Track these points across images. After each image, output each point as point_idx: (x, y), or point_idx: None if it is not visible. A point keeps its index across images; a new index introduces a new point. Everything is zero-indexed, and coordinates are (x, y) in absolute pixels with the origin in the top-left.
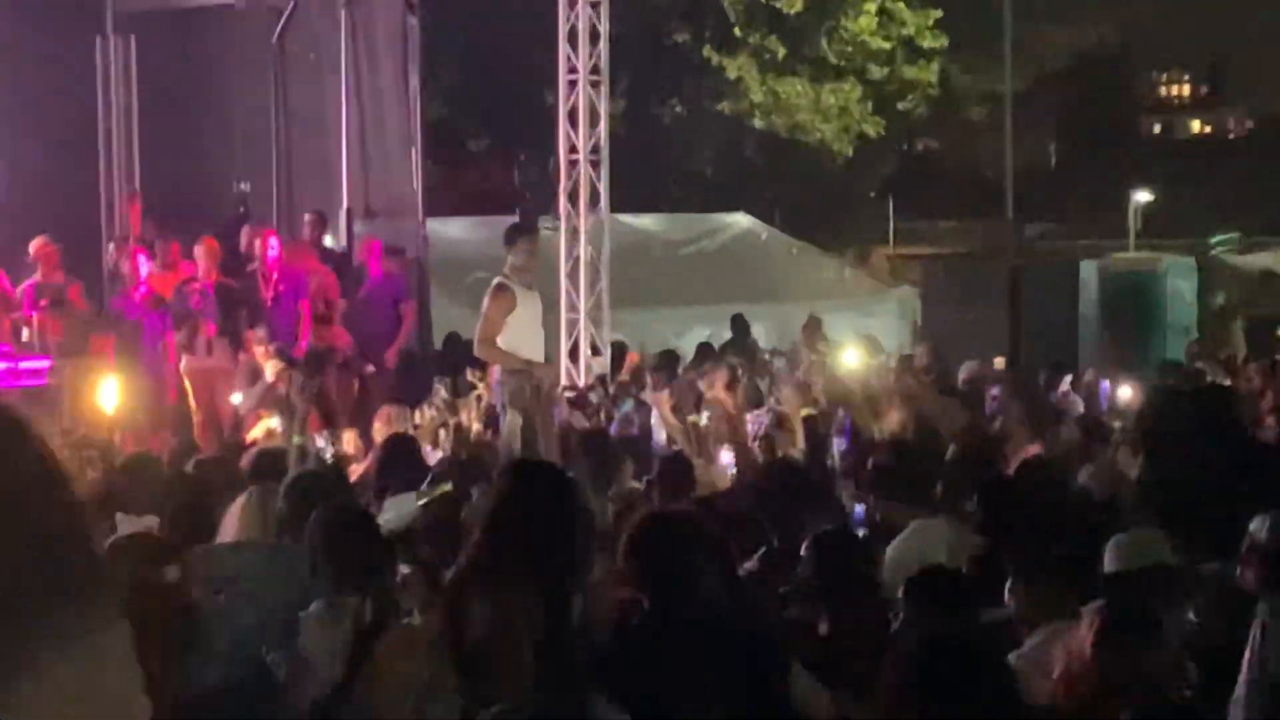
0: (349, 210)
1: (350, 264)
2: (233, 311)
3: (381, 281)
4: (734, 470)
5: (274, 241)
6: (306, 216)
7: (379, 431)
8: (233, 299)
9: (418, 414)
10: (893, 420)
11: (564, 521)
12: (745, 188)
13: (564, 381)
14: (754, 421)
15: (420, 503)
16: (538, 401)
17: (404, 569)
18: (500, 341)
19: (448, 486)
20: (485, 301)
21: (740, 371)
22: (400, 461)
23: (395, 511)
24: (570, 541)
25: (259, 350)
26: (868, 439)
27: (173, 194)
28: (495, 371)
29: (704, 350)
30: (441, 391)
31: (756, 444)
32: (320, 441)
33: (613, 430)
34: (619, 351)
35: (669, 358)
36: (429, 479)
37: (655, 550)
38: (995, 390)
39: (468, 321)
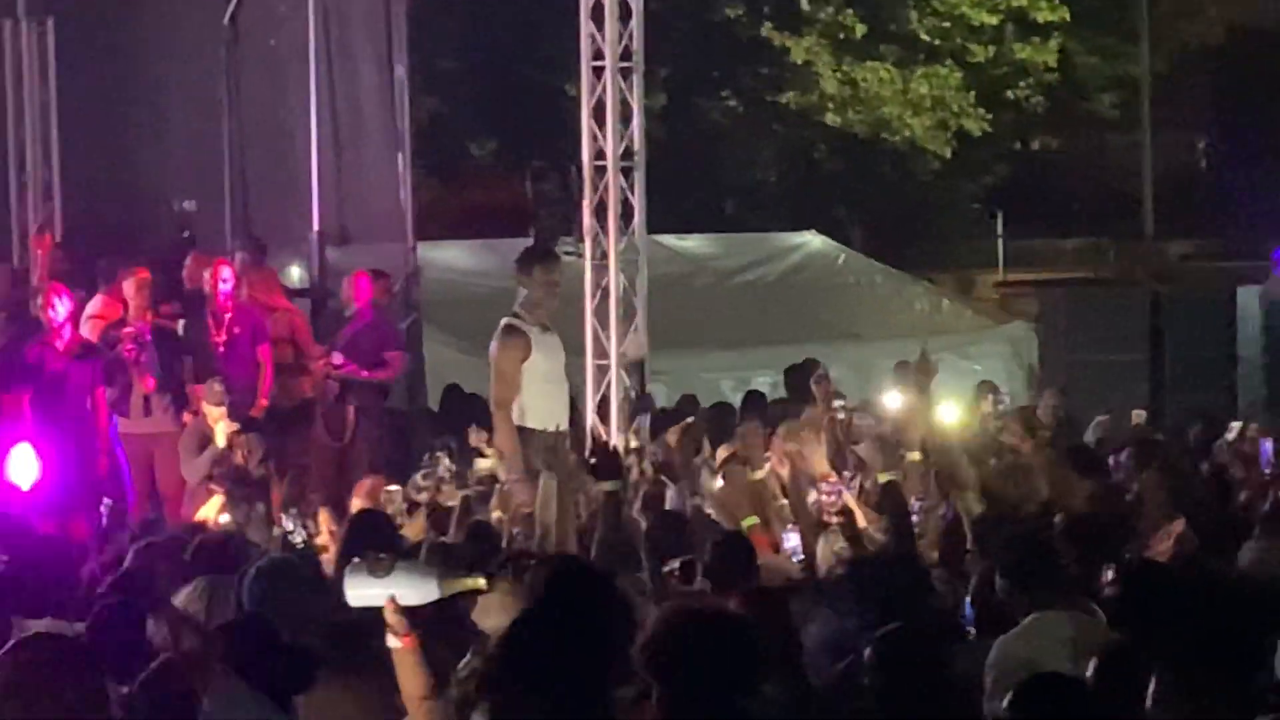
0: (320, 234)
1: (324, 300)
2: (175, 361)
3: (371, 325)
4: (800, 557)
5: (226, 273)
6: (239, 249)
7: (356, 508)
8: (175, 346)
9: (409, 486)
10: (1007, 489)
11: (602, 646)
12: (816, 200)
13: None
14: (829, 492)
15: (442, 590)
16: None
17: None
18: (517, 403)
19: (480, 582)
20: (493, 349)
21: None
22: (369, 544)
23: (396, 587)
24: (604, 669)
25: (209, 410)
26: (974, 513)
27: (98, 213)
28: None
29: (754, 401)
30: (444, 461)
31: (830, 519)
32: (287, 523)
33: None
34: (685, 408)
35: (722, 413)
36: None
37: (684, 660)
38: (1128, 452)
39: (470, 372)
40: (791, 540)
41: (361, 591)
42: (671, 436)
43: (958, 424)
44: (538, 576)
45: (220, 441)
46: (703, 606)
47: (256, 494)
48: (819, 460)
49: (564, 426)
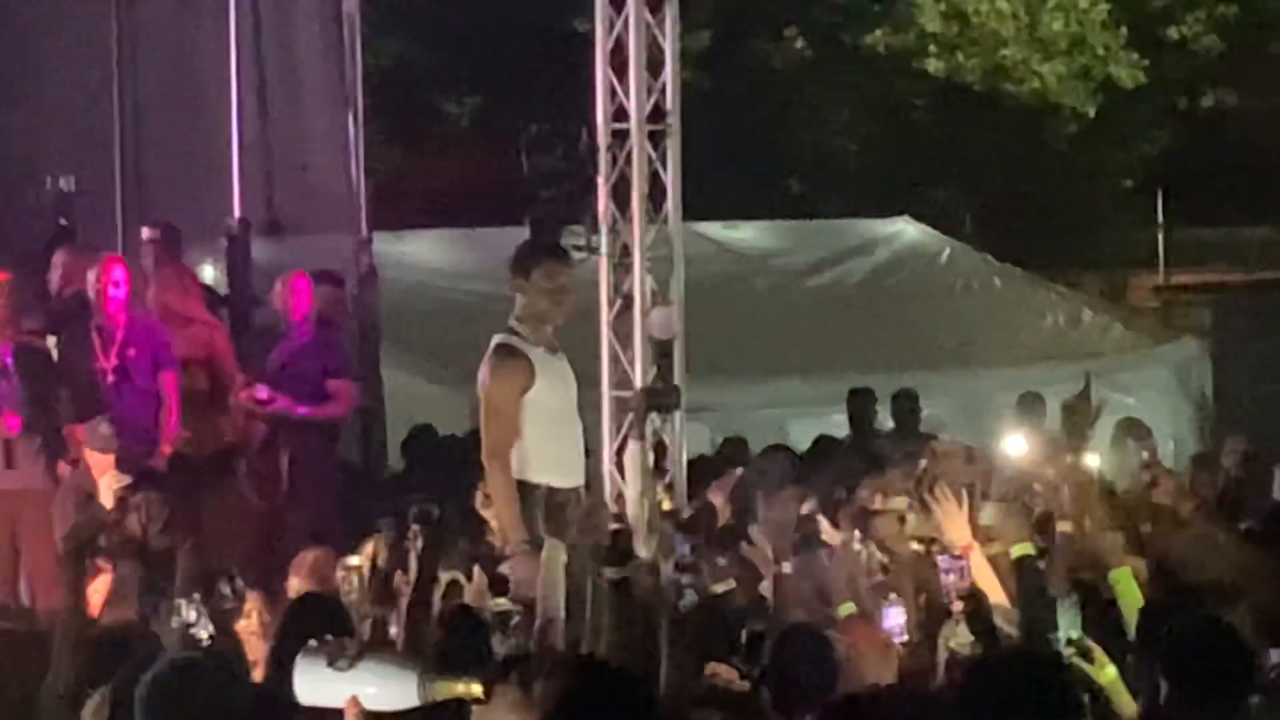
0: (242, 223)
1: (247, 311)
2: (46, 393)
3: (312, 345)
4: (904, 638)
5: (119, 273)
6: (145, 234)
7: (295, 590)
8: (46, 372)
9: (359, 556)
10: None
11: None
12: (912, 176)
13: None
14: (951, 569)
15: (423, 695)
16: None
17: None
18: (516, 449)
19: (475, 689)
20: (482, 377)
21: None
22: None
23: (361, 684)
24: None
25: (92, 458)
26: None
27: None
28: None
29: (827, 448)
30: (420, 529)
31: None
32: (188, 611)
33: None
34: (731, 456)
35: (781, 463)
36: None
37: None
38: None
39: (443, 407)
40: (894, 616)
41: (316, 686)
42: (715, 495)
43: (1111, 479)
44: (551, 686)
45: (107, 501)
46: None
47: (159, 571)
48: (957, 527)
49: (579, 480)
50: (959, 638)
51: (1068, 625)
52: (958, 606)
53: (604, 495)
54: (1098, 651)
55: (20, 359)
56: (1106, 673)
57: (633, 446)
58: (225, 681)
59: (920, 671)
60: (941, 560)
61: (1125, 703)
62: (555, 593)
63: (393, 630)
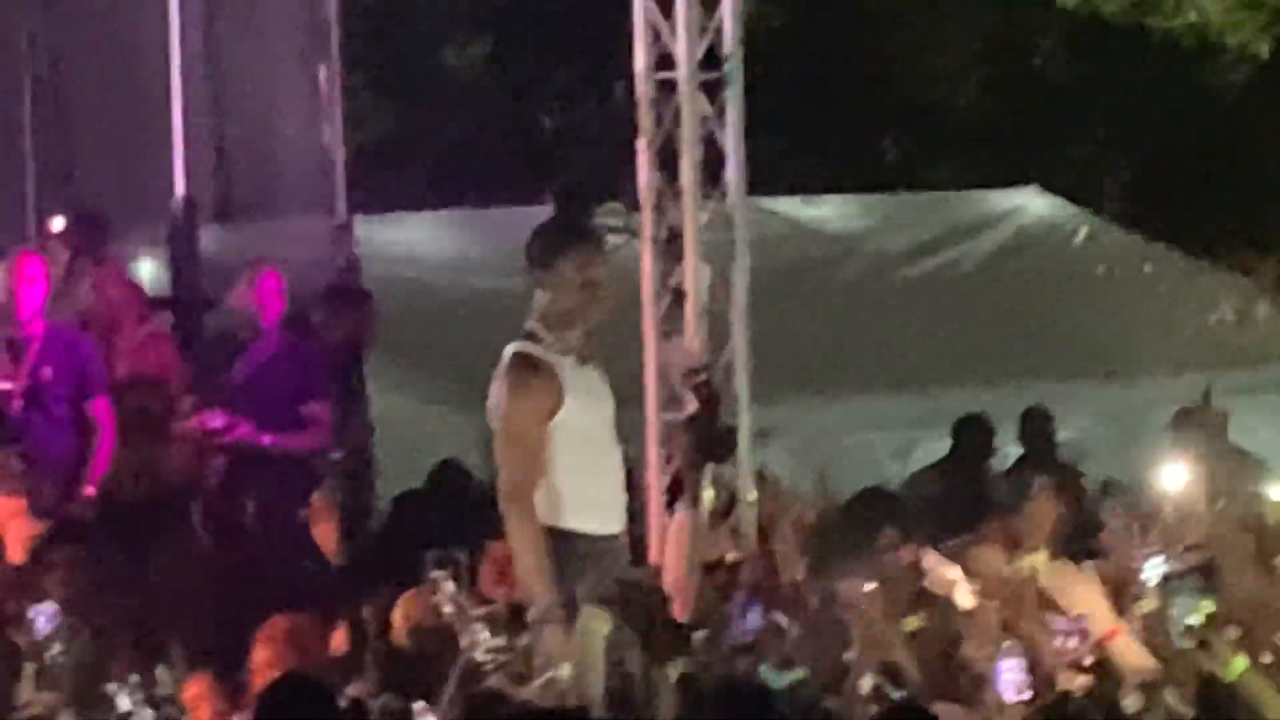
0: (188, 205)
1: (196, 315)
2: None
3: (282, 358)
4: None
5: (34, 273)
6: (56, 225)
7: (263, 664)
8: None
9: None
10: None
11: None
12: (1040, 135)
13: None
14: (1069, 631)
15: None
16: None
17: None
18: (543, 488)
19: None
20: (495, 396)
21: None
22: None
23: None
24: None
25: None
26: None
27: None
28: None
29: (928, 480)
30: (444, 585)
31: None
32: (122, 700)
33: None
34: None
35: (875, 503)
36: None
37: None
38: None
39: (444, 432)
40: (1011, 670)
41: None
42: (783, 542)
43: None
44: None
45: (16, 555)
46: None
47: (86, 645)
48: (1082, 595)
49: (620, 525)
50: None
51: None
52: (1068, 680)
53: (652, 546)
54: (1218, 643)
55: None
56: (1235, 665)
57: (679, 515)
58: None
59: None
60: (1058, 623)
61: (1267, 699)
62: (593, 673)
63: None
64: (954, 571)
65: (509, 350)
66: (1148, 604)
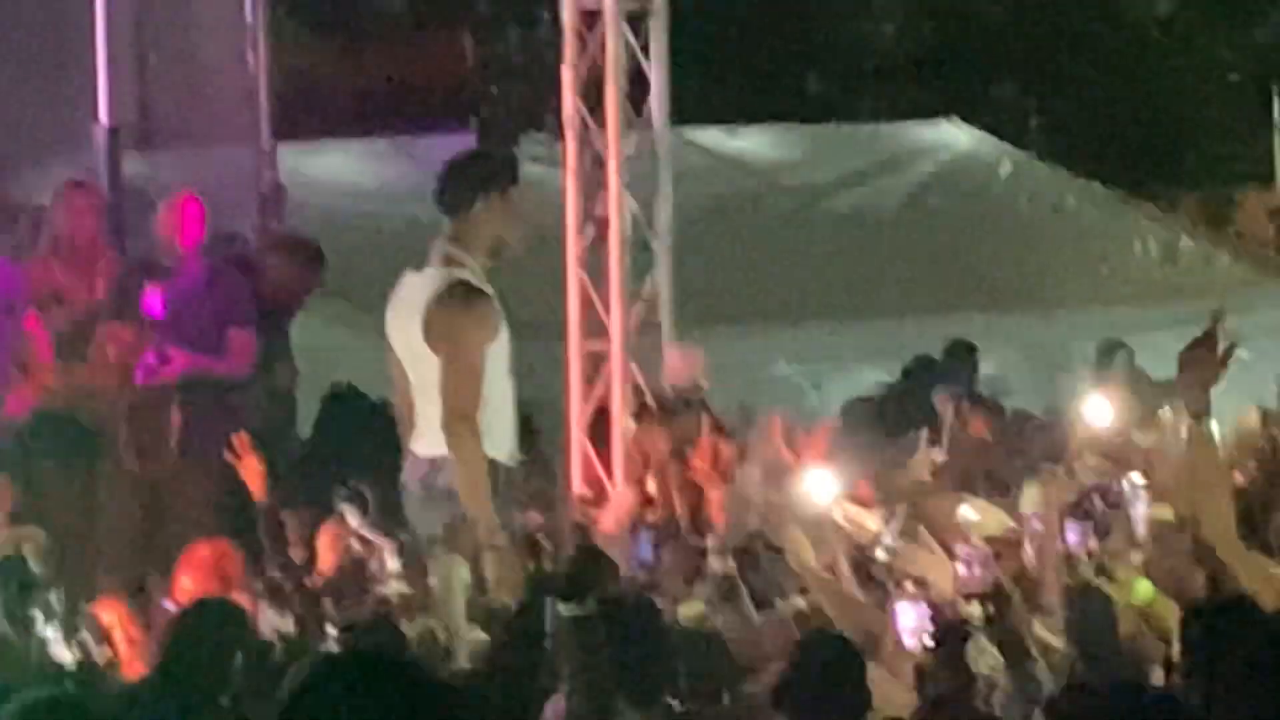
0: (111, 131)
1: (117, 240)
2: None
3: (204, 284)
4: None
5: None
6: None
7: (186, 592)
8: None
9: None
10: None
11: None
12: (963, 69)
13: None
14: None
15: None
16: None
17: None
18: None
19: None
20: (440, 322)
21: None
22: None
23: None
24: None
25: None
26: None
27: None
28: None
29: (858, 412)
30: (349, 513)
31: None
32: (46, 628)
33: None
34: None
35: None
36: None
37: None
38: None
39: (367, 361)
40: (908, 614)
41: None
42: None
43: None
44: None
45: None
46: None
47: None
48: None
49: (516, 458)
50: (986, 657)
51: None
52: (973, 611)
53: (574, 477)
54: (1123, 569)
55: None
56: (1138, 592)
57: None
58: None
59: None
60: (961, 549)
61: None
62: (452, 612)
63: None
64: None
65: (446, 276)
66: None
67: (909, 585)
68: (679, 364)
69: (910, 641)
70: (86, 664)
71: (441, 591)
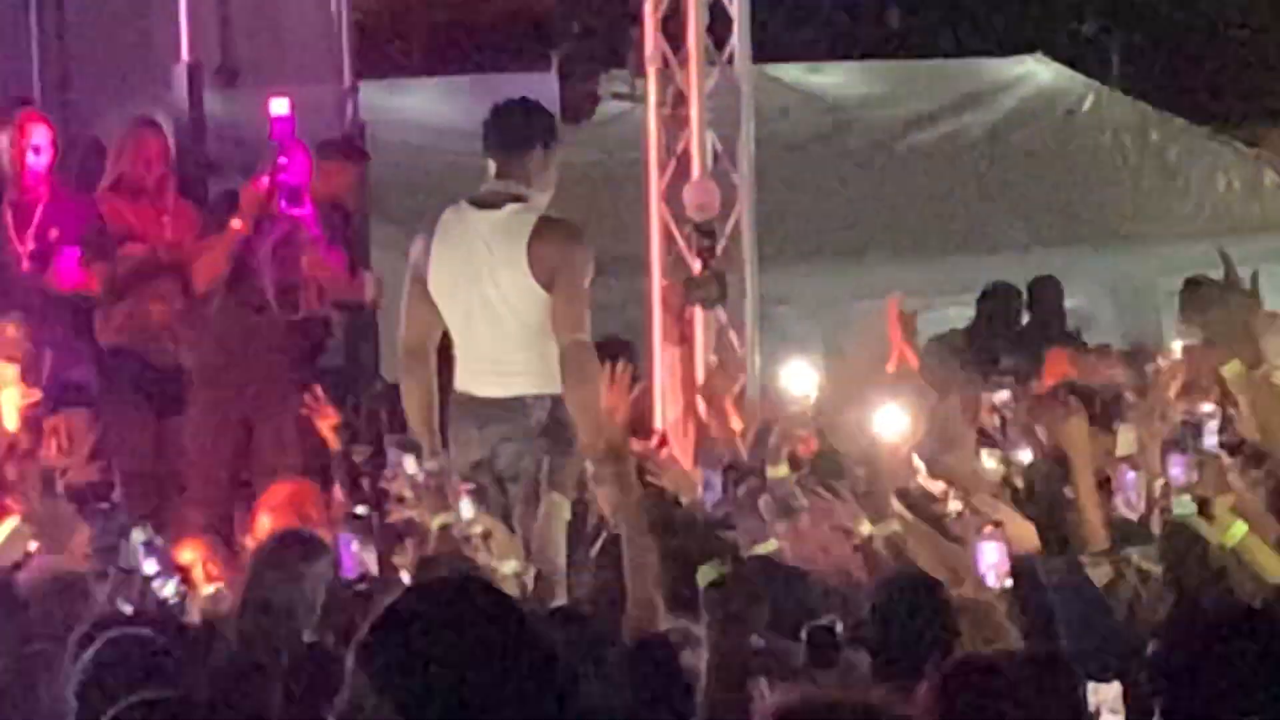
0: (193, 68)
1: (201, 179)
2: None
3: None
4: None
5: (41, 135)
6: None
7: (266, 531)
8: None
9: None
10: None
11: None
12: (1046, 8)
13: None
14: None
15: None
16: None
17: None
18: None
19: None
20: (562, 254)
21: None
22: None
23: None
24: None
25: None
26: None
27: None
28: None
29: (943, 349)
30: (406, 461)
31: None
32: (148, 561)
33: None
34: None
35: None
36: None
37: None
38: None
39: None
40: (990, 553)
41: None
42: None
43: None
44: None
45: (10, 423)
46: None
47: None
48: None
49: None
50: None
51: None
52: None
53: (657, 413)
54: (1220, 507)
55: None
56: (1233, 532)
57: (666, 353)
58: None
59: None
60: None
61: (1267, 563)
62: (551, 546)
63: None
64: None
65: (523, 211)
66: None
67: (989, 528)
68: (701, 197)
69: (992, 580)
70: (172, 599)
71: (543, 529)
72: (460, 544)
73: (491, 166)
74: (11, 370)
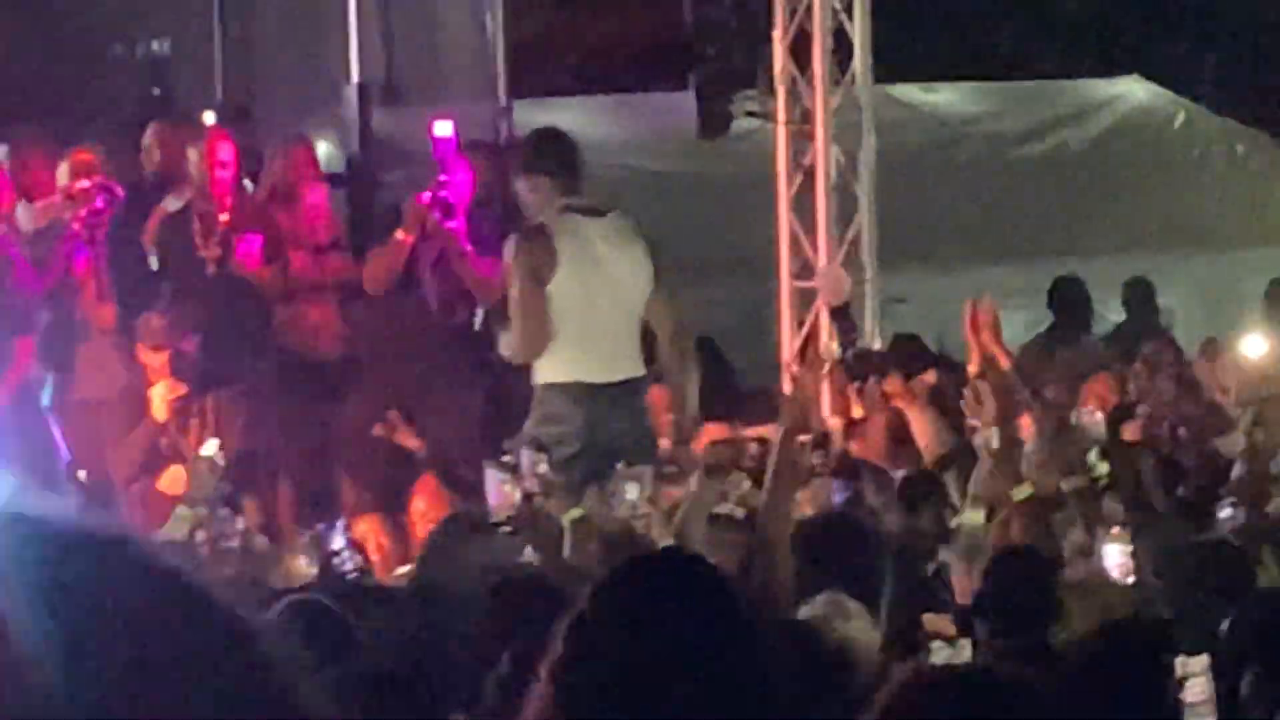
0: (363, 88)
1: (368, 194)
2: (143, 285)
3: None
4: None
5: (227, 151)
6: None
7: (419, 513)
8: (141, 268)
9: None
10: None
11: None
12: (1142, 27)
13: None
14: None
15: None
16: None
17: None
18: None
19: None
20: (653, 261)
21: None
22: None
23: None
24: None
25: (147, 359)
26: None
27: (12, 61)
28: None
29: (1046, 345)
30: (526, 458)
31: None
32: (335, 538)
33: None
34: (903, 353)
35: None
36: None
37: None
38: None
39: None
40: (1114, 555)
41: None
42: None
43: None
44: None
45: (159, 413)
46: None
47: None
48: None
49: None
50: None
51: None
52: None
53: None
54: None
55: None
56: None
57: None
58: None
59: None
60: None
61: None
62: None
63: None
64: None
65: (628, 221)
66: None
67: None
68: (831, 284)
69: (1117, 576)
70: (351, 570)
71: (690, 510)
72: (630, 525)
73: (557, 183)
74: (160, 359)
